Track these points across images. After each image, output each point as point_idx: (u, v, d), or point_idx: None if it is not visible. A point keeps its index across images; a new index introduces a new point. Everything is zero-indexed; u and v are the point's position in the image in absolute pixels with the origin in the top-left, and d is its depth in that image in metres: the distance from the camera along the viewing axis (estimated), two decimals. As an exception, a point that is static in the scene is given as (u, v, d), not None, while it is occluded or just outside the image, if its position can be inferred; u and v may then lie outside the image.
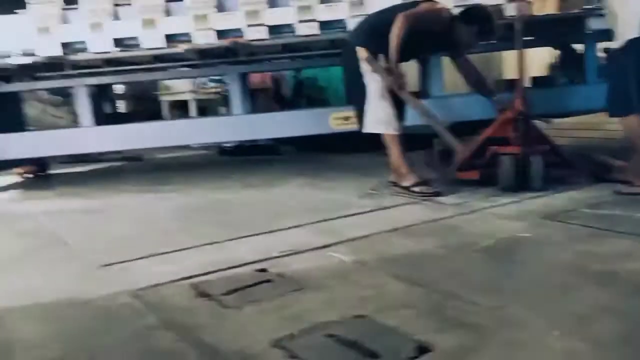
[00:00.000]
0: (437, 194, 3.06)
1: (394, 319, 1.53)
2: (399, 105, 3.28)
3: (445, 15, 3.25)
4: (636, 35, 2.69)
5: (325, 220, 2.71)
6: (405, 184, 3.19)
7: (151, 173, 5.06)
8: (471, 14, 3.22)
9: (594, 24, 3.81)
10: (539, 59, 5.64)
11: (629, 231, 2.18)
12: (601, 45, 4.33)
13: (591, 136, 4.94)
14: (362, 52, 3.22)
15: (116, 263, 2.20)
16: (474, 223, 2.50)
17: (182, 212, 3.18)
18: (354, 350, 1.37)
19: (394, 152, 3.24)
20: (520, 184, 2.94)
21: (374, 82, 3.22)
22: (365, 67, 3.24)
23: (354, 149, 4.79)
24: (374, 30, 3.27)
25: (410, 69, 5.69)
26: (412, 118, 3.48)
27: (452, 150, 3.36)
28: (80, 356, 1.43)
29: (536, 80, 4.92)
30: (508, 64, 6.37)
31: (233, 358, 1.37)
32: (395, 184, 3.29)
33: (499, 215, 2.59)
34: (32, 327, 1.66)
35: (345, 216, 2.76)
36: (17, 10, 4.06)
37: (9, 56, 4.02)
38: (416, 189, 3.12)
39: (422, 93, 4.77)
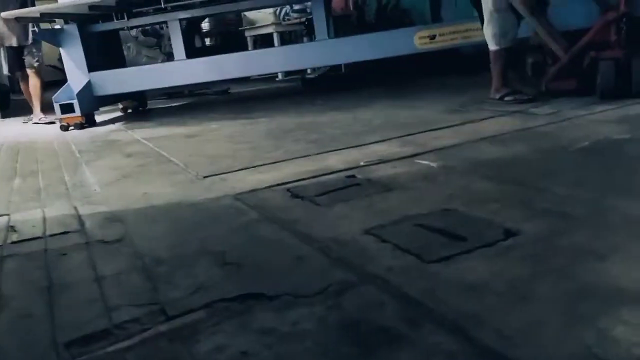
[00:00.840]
0: (531, 101, 3.03)
1: (482, 211, 1.56)
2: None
3: None
4: None
5: (410, 134, 2.74)
6: (498, 95, 3.20)
7: (240, 104, 5.27)
8: None
9: None
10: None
11: None
12: None
13: None
14: None
15: (217, 174, 2.37)
16: (568, 129, 2.41)
17: (273, 133, 3.31)
18: (442, 235, 1.43)
19: (497, 68, 3.24)
20: (622, 89, 2.76)
21: None
22: None
23: (443, 70, 4.68)
24: None
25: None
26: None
27: (546, 63, 3.21)
28: (193, 242, 1.60)
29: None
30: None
31: (329, 243, 1.47)
32: (489, 99, 3.27)
33: (595, 121, 2.48)
34: (149, 225, 1.86)
35: (431, 129, 2.76)
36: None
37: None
38: (509, 97, 3.13)
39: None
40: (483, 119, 2.88)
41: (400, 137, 2.71)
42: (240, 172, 2.38)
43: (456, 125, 2.82)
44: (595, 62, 2.85)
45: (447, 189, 1.82)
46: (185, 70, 4.56)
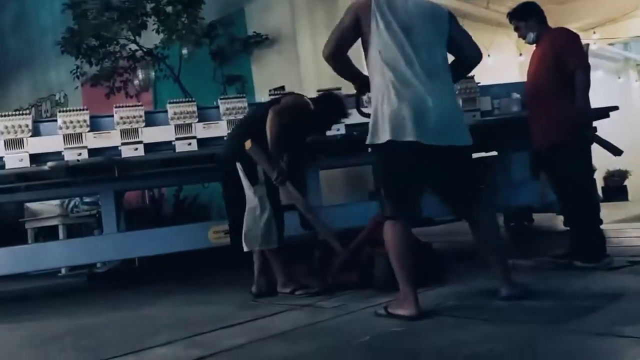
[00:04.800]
0: (319, 293, 3.13)
1: None
2: (278, 215, 3.32)
3: (307, 103, 3.43)
4: None
5: (200, 333, 2.54)
6: (287, 290, 3.25)
7: (5, 303, 4.49)
8: (325, 99, 3.55)
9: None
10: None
11: (489, 317, 2.28)
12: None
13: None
14: (247, 144, 3.22)
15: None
16: (351, 323, 2.47)
17: (35, 340, 2.80)
18: None
19: (275, 266, 3.32)
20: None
21: (251, 192, 3.26)
22: (243, 177, 3.28)
23: (237, 263, 4.68)
24: (250, 127, 3.39)
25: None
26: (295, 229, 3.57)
27: (331, 256, 3.42)
28: None
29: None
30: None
31: None
32: (279, 293, 3.30)
33: (375, 314, 2.59)
34: None
35: (222, 327, 2.60)
36: None
37: None
38: (299, 292, 3.19)
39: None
40: (274, 314, 2.83)
41: (188, 337, 2.49)
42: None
43: (248, 321, 2.71)
44: (371, 257, 3.10)
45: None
46: None
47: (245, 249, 3.31)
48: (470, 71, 2.83)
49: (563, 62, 3.15)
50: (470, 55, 2.69)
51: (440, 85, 2.50)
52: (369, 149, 2.62)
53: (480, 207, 2.59)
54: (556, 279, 2.96)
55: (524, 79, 3.54)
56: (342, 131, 4.34)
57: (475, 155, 5.50)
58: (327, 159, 4.60)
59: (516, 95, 4.64)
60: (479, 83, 4.81)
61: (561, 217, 3.94)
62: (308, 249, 3.94)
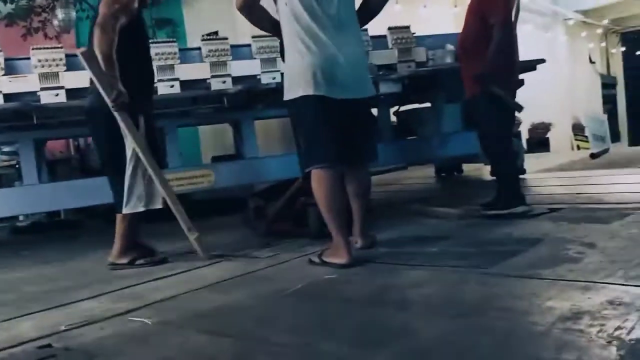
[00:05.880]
0: (163, 261, 2.91)
1: (196, 373, 1.40)
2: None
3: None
4: None
5: (129, 286, 2.48)
6: (125, 260, 2.90)
7: None
8: None
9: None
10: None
11: (419, 263, 2.36)
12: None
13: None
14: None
15: None
16: (285, 272, 2.49)
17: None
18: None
19: (120, 231, 2.91)
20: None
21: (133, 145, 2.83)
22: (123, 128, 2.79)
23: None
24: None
25: (226, 133, 5.80)
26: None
27: (266, 207, 3.41)
28: None
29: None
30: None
31: None
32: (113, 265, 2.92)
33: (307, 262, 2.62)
34: None
35: (154, 279, 2.55)
36: None
37: None
38: (140, 260, 2.90)
39: (237, 155, 4.86)
40: (207, 265, 2.80)
41: (117, 290, 2.43)
42: None
43: (181, 272, 2.67)
44: (305, 207, 3.12)
45: (161, 349, 1.62)
46: None
47: (126, 211, 2.87)
48: (377, 13, 2.79)
49: (486, 17, 3.20)
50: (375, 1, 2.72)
51: (347, 37, 2.53)
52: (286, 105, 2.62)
53: (364, 159, 2.67)
54: (481, 227, 3.10)
55: (459, 30, 3.57)
56: (278, 79, 4.25)
57: (409, 107, 5.66)
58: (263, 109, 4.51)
59: (450, 47, 4.68)
60: (414, 34, 4.81)
61: (489, 167, 4.11)
62: (241, 201, 3.92)
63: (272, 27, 2.69)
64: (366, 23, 2.85)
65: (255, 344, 1.60)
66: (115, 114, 2.78)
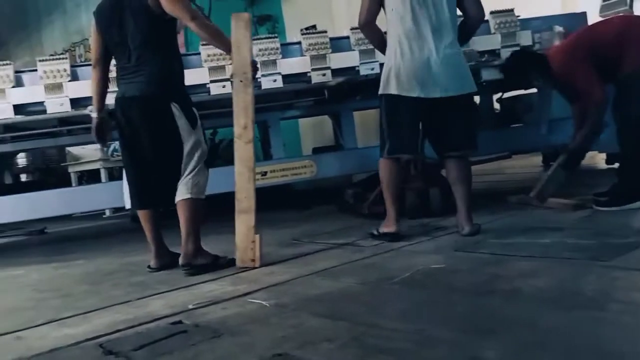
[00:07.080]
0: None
1: (315, 353, 1.48)
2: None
3: None
4: None
5: (244, 270, 2.65)
6: (204, 260, 2.74)
7: (56, 244, 4.74)
8: None
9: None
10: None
11: (530, 254, 2.30)
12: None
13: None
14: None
15: (11, 332, 1.99)
16: (391, 260, 2.53)
17: (90, 277, 2.97)
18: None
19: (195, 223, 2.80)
20: (424, 211, 3.50)
21: (193, 137, 2.81)
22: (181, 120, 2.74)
23: (277, 205, 4.80)
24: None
25: (325, 124, 5.93)
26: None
27: (365, 192, 3.56)
28: None
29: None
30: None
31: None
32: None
33: (414, 252, 2.64)
34: None
35: (266, 265, 2.70)
36: None
37: None
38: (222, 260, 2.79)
39: (337, 146, 4.97)
40: (315, 252, 2.92)
41: (235, 274, 2.61)
42: (42, 327, 2.04)
43: (291, 259, 2.81)
44: (403, 191, 3.31)
45: (279, 330, 1.73)
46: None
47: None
48: (473, 33, 3.08)
49: None
50: (471, 16, 2.92)
51: (445, 39, 2.79)
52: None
53: (462, 148, 2.90)
54: (596, 217, 2.94)
55: (567, 11, 3.37)
56: (377, 70, 4.26)
57: (514, 93, 5.43)
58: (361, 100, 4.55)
59: (559, 29, 4.43)
60: (519, 16, 4.60)
61: (603, 155, 3.86)
62: (337, 190, 4.04)
63: (378, 44, 3.07)
64: (465, 42, 3.15)
65: (366, 328, 1.65)
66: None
